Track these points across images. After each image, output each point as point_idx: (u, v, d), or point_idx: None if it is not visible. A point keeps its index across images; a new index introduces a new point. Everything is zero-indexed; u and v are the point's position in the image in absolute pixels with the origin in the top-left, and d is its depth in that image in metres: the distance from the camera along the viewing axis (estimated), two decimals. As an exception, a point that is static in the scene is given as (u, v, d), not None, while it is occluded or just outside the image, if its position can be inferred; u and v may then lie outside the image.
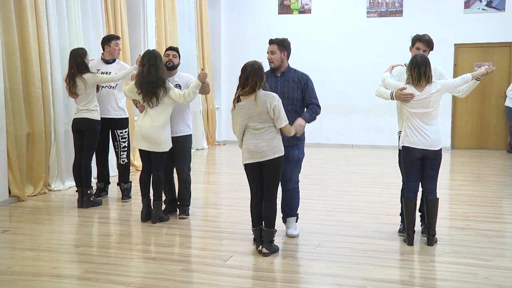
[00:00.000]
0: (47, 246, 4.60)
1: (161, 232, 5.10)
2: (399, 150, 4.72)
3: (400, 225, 4.94)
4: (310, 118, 4.68)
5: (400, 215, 4.99)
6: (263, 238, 4.36)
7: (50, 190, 6.75)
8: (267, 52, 4.76)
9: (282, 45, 4.74)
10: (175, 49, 5.56)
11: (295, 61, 11.27)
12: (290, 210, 4.92)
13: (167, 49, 5.62)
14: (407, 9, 11.23)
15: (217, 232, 5.17)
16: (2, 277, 3.83)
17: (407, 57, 4.83)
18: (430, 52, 4.80)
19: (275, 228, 4.38)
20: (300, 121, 4.57)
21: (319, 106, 4.77)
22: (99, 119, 6.03)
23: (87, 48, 6.33)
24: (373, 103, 11.18)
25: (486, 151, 10.86)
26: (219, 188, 6.55)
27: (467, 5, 10.92)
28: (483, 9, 10.85)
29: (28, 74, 6.40)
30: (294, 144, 4.73)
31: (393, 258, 4.29)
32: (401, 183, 4.86)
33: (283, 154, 4.36)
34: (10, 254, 4.46)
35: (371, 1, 11.41)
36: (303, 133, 4.71)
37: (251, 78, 4.22)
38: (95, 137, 6.04)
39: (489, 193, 6.83)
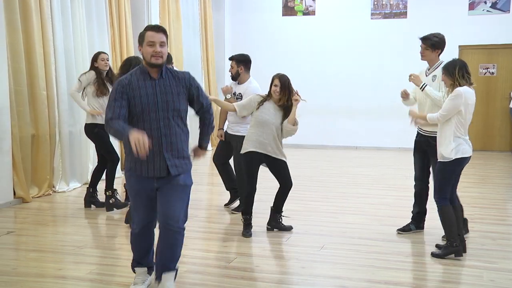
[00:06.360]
0: (52, 247, 4.62)
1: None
2: (443, 162, 4.21)
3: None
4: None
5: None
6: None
7: (55, 192, 6.77)
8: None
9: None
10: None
11: (299, 63, 11.38)
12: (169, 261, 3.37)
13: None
14: (411, 11, 11.22)
15: (221, 234, 5.17)
16: (7, 278, 3.84)
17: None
18: (437, 51, 4.74)
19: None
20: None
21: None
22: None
23: (91, 51, 6.27)
24: (377, 105, 11.17)
25: (490, 153, 10.83)
26: (223, 189, 6.55)
27: (471, 6, 10.90)
28: (487, 11, 10.82)
29: (33, 76, 6.42)
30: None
31: (397, 260, 4.28)
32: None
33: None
34: (14, 255, 4.47)
35: (375, 2, 11.41)
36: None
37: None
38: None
39: (493, 195, 6.81)
